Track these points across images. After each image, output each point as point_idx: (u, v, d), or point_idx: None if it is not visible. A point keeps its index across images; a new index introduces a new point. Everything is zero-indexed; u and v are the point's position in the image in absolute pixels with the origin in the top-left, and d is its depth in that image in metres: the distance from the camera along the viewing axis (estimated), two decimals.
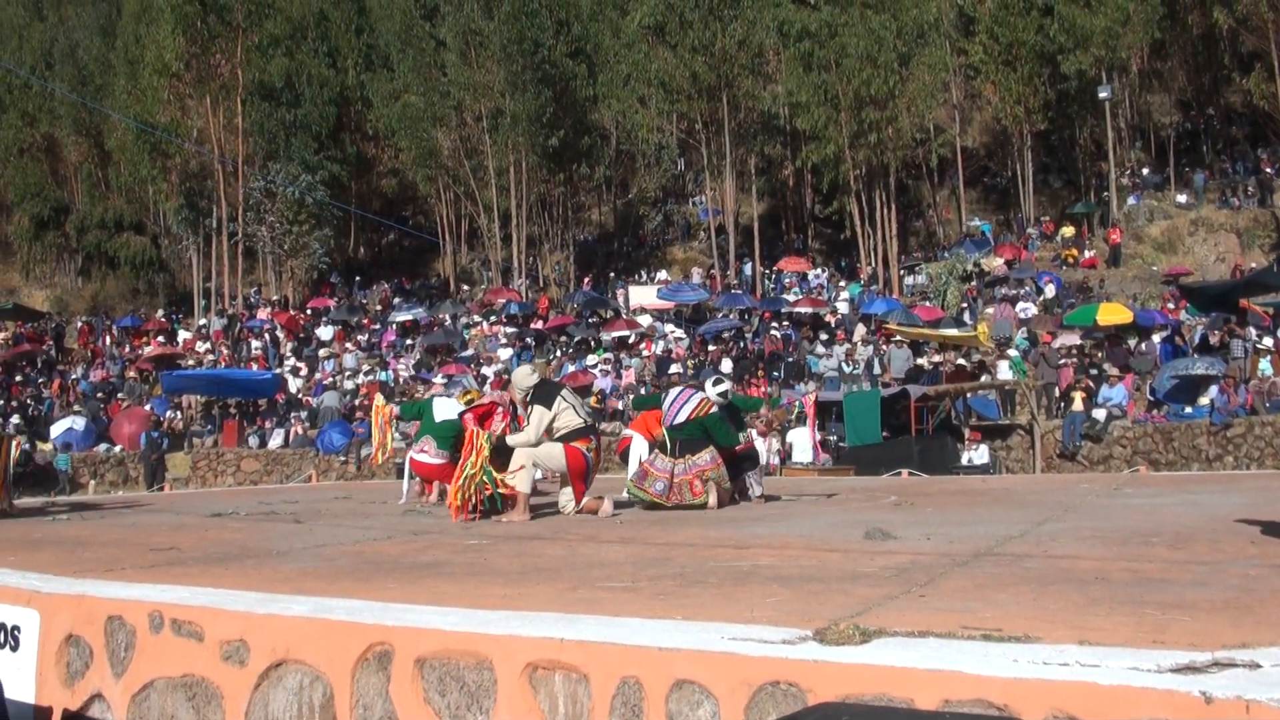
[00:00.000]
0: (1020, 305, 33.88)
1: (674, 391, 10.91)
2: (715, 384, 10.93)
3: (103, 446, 29.39)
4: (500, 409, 10.54)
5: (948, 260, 40.20)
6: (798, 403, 22.62)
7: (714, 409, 10.37)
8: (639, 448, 11.88)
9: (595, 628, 3.70)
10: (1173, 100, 50.09)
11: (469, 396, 12.23)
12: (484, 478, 9.37)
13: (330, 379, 32.87)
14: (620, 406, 27.66)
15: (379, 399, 14.30)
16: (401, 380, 32.77)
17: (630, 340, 34.42)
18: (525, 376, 10.02)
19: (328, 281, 49.76)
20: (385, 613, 4.16)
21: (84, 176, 58.11)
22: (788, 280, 42.99)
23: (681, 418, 10.23)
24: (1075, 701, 2.77)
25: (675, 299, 39.39)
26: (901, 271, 41.88)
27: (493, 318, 39.78)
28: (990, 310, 33.95)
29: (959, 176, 47.84)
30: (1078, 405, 23.16)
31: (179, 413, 31.98)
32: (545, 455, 9.53)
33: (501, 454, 9.73)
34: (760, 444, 11.82)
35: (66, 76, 58.29)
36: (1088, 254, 39.96)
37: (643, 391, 27.61)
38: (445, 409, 11.82)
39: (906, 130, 41.01)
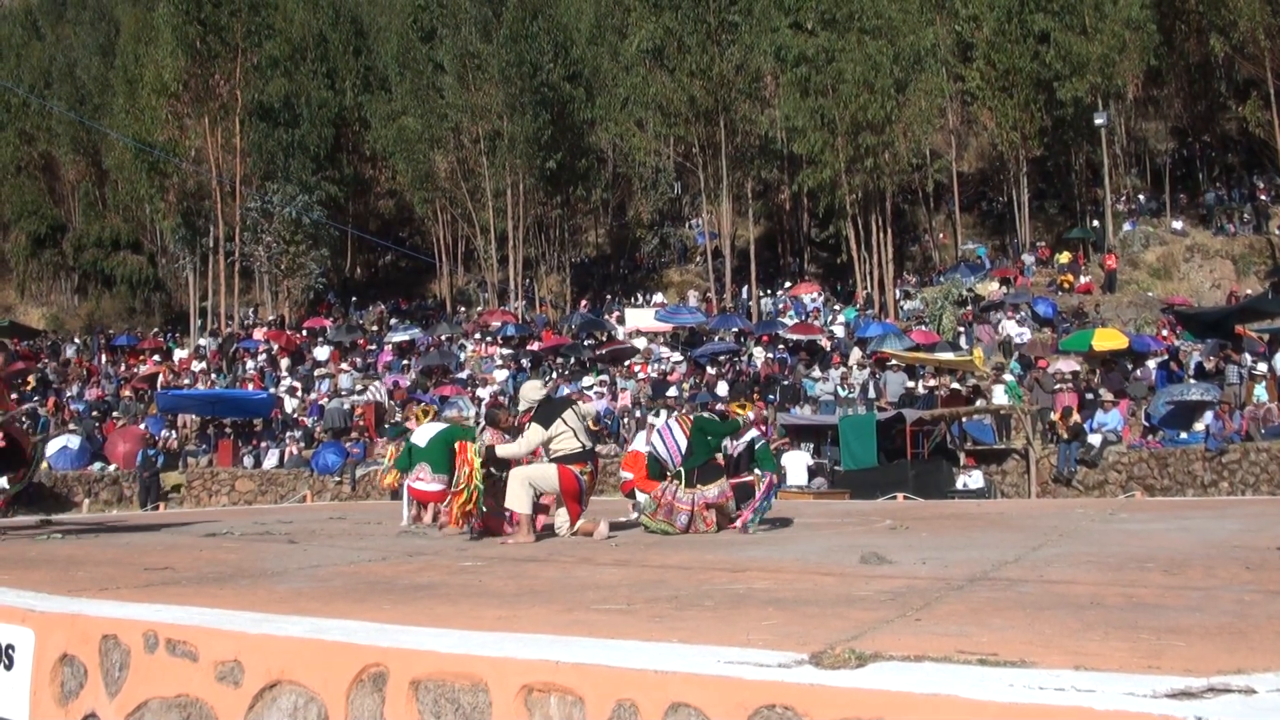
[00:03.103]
0: (1016, 330, 33.94)
1: (654, 437, 10.77)
2: (658, 415, 10.94)
3: (97, 465, 29.30)
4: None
5: (943, 285, 40.25)
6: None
7: (693, 415, 10.38)
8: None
9: (591, 650, 3.69)
10: (1168, 127, 50.35)
11: (421, 410, 12.33)
12: (478, 489, 9.51)
13: (326, 399, 32.80)
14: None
15: (391, 449, 14.57)
16: (393, 400, 32.63)
17: (626, 361, 34.46)
18: (532, 390, 10.15)
19: (324, 301, 49.77)
20: (380, 634, 4.15)
21: (81, 195, 58.30)
22: (782, 304, 43.05)
23: (684, 444, 10.15)
24: None
25: (673, 321, 39.43)
26: (898, 297, 41.90)
27: (489, 339, 39.79)
28: (982, 337, 34.01)
29: (955, 201, 48.03)
30: (1065, 437, 23.14)
31: (174, 432, 31.89)
32: (539, 476, 9.50)
33: (499, 467, 9.85)
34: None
35: (65, 95, 58.51)
36: (1083, 279, 40.06)
37: (638, 415, 27.59)
38: (425, 434, 11.90)
39: (903, 155, 41.14)
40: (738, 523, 9.96)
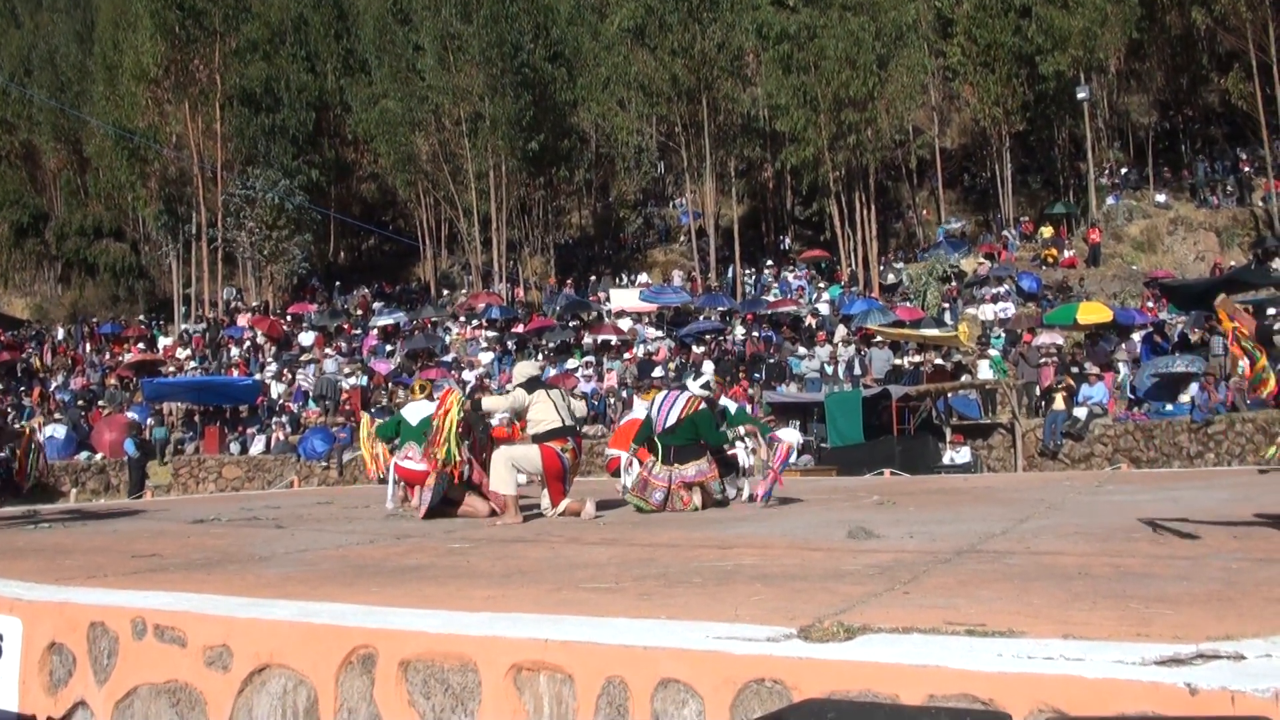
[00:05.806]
0: (1000, 305, 34.01)
1: (660, 396, 10.91)
2: (696, 378, 10.99)
3: (84, 454, 29.19)
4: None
5: (927, 261, 40.30)
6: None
7: (702, 405, 10.39)
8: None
9: (579, 628, 3.69)
10: (1151, 100, 50.30)
11: (420, 383, 12.31)
12: (453, 447, 9.71)
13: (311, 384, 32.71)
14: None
15: (365, 417, 14.55)
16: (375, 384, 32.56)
17: (612, 343, 34.41)
18: (524, 367, 10.49)
19: (308, 286, 49.56)
20: (369, 616, 4.15)
21: (63, 183, 57.88)
22: (767, 282, 43.11)
23: (672, 419, 10.22)
24: (1061, 694, 2.77)
25: (658, 301, 39.39)
26: (885, 271, 41.92)
27: (473, 322, 39.69)
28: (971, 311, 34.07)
29: (938, 178, 48.03)
30: (1059, 405, 23.21)
31: (160, 419, 31.78)
32: (521, 456, 9.64)
33: (477, 422, 10.24)
34: (741, 450, 11.76)
35: (44, 83, 58.03)
36: (1067, 254, 40.14)
37: (624, 395, 27.59)
38: (417, 412, 11.84)
39: (886, 132, 41.10)
40: (757, 498, 10.17)
